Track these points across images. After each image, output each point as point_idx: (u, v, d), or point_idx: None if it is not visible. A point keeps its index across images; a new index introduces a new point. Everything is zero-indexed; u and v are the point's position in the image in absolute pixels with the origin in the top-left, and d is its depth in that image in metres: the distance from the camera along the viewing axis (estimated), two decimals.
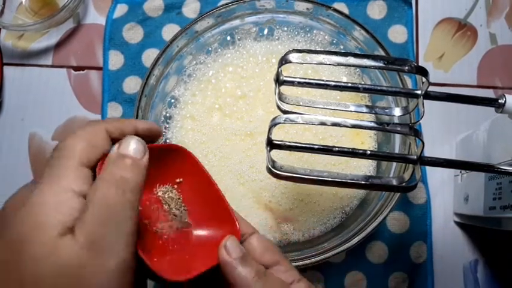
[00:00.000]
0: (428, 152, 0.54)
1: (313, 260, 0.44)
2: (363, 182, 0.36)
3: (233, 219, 0.34)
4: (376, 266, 0.53)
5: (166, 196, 0.35)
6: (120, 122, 0.32)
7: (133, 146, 0.30)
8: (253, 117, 0.50)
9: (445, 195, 0.55)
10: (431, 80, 0.36)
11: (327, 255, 0.44)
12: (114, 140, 0.31)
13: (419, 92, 0.37)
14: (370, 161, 0.50)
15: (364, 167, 0.50)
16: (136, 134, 0.32)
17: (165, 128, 0.51)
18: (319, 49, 0.52)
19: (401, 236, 0.53)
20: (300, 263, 0.44)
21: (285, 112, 0.36)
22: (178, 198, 0.36)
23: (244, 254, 0.32)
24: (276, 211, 0.49)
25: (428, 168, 0.55)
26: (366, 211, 0.47)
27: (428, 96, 0.37)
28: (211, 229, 0.35)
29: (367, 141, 0.51)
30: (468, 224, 0.53)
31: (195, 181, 0.36)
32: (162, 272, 0.30)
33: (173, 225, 0.35)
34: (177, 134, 0.51)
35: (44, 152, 0.57)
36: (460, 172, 0.53)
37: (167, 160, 0.35)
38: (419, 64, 0.46)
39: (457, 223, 0.54)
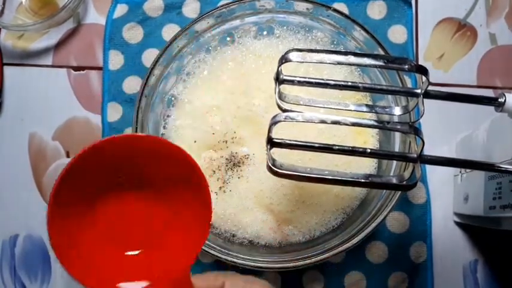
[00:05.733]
0: (427, 153, 0.53)
1: (313, 260, 0.44)
2: (363, 180, 0.36)
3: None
4: (376, 266, 0.53)
5: None
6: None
7: None
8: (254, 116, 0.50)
9: (444, 195, 0.55)
10: (431, 80, 0.36)
11: (327, 255, 0.44)
12: None
13: (419, 90, 0.37)
14: (372, 162, 0.50)
15: (365, 168, 0.50)
16: None
17: (164, 127, 0.51)
18: (319, 48, 0.52)
19: (401, 236, 0.53)
20: (300, 263, 0.44)
21: (285, 111, 0.36)
22: None
23: None
24: (277, 213, 0.49)
25: (428, 169, 0.55)
26: (366, 211, 0.47)
27: (428, 95, 0.37)
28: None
29: (369, 140, 0.51)
30: (468, 224, 0.53)
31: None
32: None
33: None
34: (176, 132, 0.51)
35: (44, 152, 0.57)
36: (460, 172, 0.53)
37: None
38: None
39: (457, 223, 0.54)
